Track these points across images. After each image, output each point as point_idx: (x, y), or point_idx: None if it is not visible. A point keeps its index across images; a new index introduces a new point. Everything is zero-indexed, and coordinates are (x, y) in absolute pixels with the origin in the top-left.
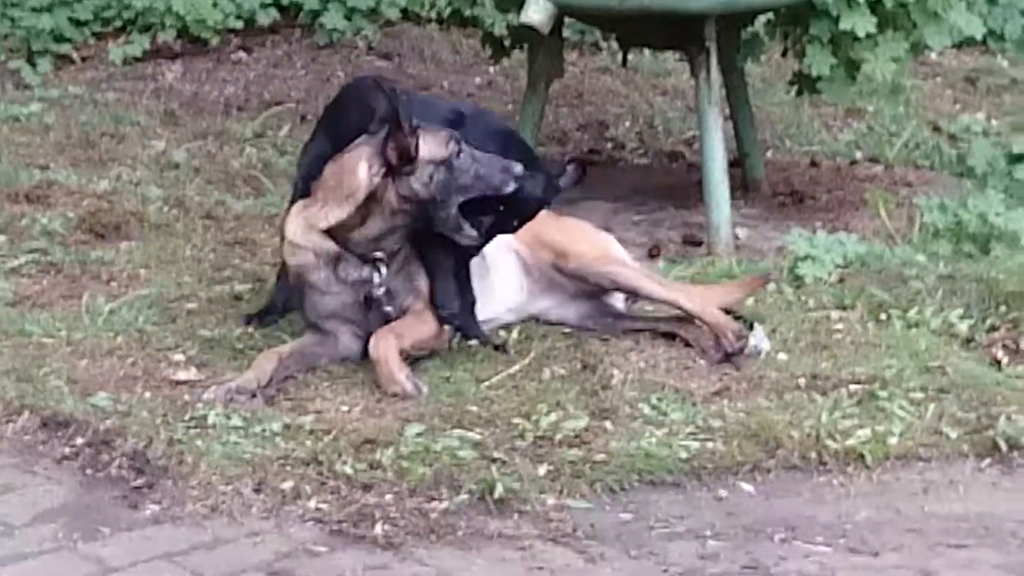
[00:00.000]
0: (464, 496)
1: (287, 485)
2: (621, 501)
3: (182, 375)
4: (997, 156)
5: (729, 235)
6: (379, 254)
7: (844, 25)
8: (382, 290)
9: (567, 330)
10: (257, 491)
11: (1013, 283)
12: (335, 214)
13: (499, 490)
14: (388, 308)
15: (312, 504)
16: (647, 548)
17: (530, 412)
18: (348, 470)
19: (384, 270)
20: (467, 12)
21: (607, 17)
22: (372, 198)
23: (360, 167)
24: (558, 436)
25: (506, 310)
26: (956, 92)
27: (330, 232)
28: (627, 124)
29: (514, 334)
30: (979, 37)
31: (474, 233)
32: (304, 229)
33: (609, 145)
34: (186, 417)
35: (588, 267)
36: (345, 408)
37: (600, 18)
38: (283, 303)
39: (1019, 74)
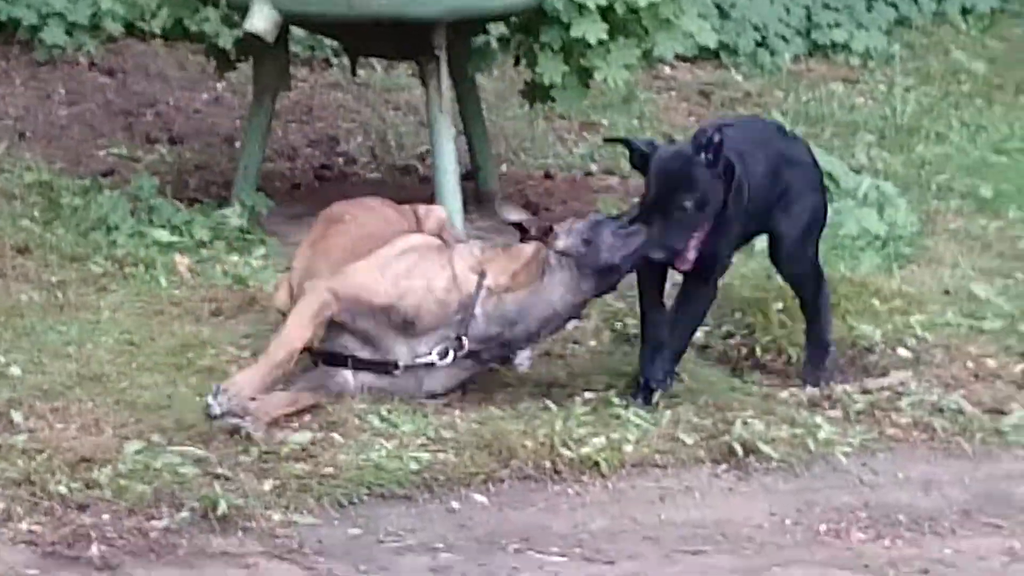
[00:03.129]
0: (185, 514)
1: None
2: (350, 515)
3: None
4: None
5: None
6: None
7: (575, 32)
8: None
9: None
10: None
11: (747, 289)
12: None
13: (222, 507)
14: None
15: (24, 526)
16: (377, 563)
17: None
18: (63, 490)
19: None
20: (192, 27)
21: (335, 25)
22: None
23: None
24: (284, 450)
25: None
26: (690, 105)
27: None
28: (359, 139)
29: (246, 352)
30: (712, 46)
31: None
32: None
33: (340, 160)
34: None
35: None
36: (60, 426)
37: (328, 26)
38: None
39: (752, 87)
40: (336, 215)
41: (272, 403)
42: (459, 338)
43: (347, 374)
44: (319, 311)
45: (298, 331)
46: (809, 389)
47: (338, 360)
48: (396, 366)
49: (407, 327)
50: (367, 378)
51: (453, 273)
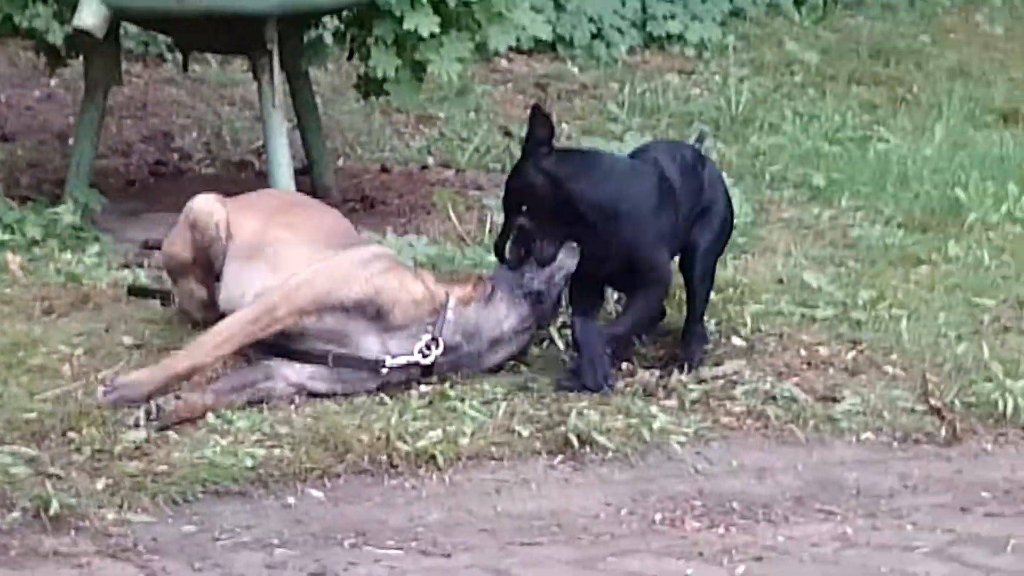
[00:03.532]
0: (17, 514)
1: None
2: (185, 513)
3: None
4: None
5: None
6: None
7: (408, 25)
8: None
9: (130, 342)
10: None
11: None
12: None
13: (55, 506)
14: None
15: None
16: (212, 560)
17: (88, 425)
18: None
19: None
20: (23, 23)
21: (166, 20)
22: None
23: None
24: (118, 449)
25: None
26: (527, 97)
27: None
28: (194, 135)
29: (78, 351)
30: (547, 38)
31: None
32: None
33: (175, 156)
34: None
35: None
36: None
37: (158, 21)
38: None
39: (588, 79)
40: (300, 199)
41: (194, 407)
42: (435, 338)
43: (287, 372)
44: (259, 326)
45: (218, 347)
46: (677, 375)
47: (313, 357)
48: (383, 364)
49: (380, 319)
50: (319, 373)
51: (425, 285)
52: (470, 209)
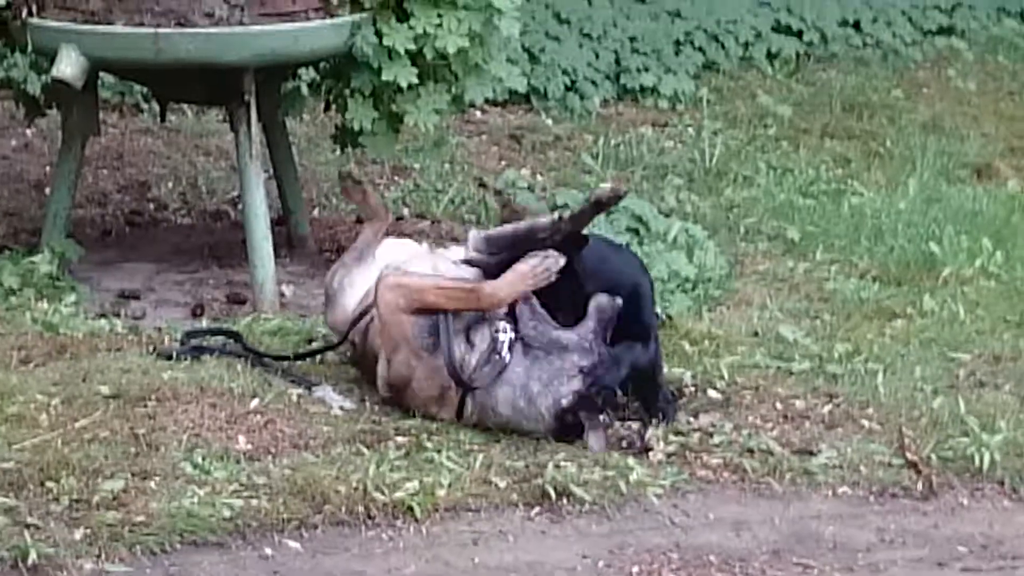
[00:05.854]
0: None
1: None
2: (162, 563)
3: None
4: (542, 208)
5: (274, 292)
6: None
7: (386, 76)
8: None
9: (108, 391)
10: None
11: None
12: None
13: (32, 556)
14: None
15: None
16: None
17: (66, 475)
18: None
19: None
20: (0, 73)
21: (143, 71)
22: None
23: None
24: (95, 499)
25: None
26: (502, 149)
27: None
28: (170, 185)
29: (55, 400)
30: (522, 90)
31: None
32: None
33: (151, 206)
34: None
35: None
36: None
37: (136, 72)
38: None
39: (562, 131)
40: None
41: None
42: None
43: None
44: None
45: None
46: (653, 428)
47: None
48: None
49: None
50: None
51: None
52: None
